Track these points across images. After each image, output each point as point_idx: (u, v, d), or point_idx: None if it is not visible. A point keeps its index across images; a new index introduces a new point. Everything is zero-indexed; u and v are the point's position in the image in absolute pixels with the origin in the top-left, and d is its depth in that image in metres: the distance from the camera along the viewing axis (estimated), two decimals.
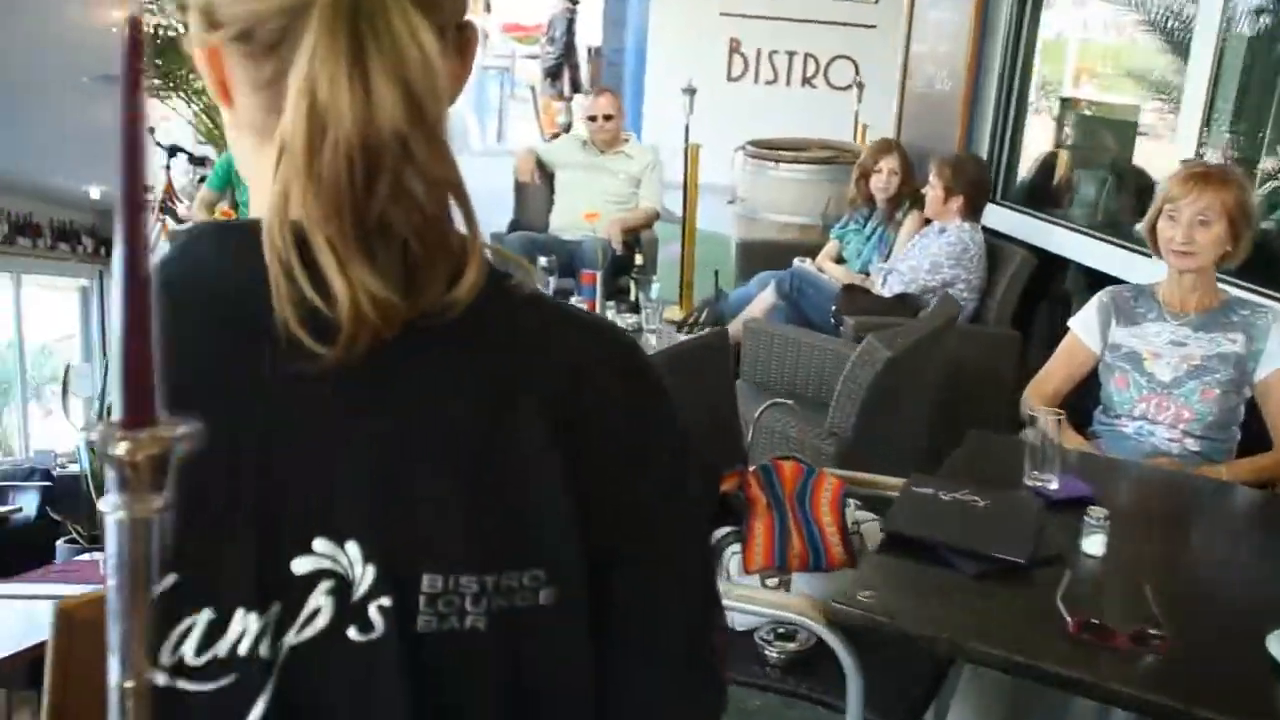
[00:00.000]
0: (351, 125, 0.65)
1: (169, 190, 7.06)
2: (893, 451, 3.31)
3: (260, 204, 0.73)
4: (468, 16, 0.78)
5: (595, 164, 5.69)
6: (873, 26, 10.81)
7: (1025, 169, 5.30)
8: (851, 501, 2.57)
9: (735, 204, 6.22)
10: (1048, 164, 5.30)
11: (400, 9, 0.67)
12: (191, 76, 6.22)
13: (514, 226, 5.91)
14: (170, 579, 0.65)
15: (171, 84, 6.35)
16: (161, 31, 6.32)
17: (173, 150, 7.02)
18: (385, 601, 0.71)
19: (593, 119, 5.68)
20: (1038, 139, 5.31)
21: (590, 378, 0.79)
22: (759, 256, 5.41)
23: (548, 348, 0.78)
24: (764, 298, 4.71)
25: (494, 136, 14.33)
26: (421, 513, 0.72)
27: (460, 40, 0.77)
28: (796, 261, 5.08)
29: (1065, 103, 5.30)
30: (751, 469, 2.60)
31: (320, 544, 0.70)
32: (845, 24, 10.83)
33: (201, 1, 0.73)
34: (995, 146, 5.18)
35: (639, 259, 5.11)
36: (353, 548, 0.70)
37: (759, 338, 4.02)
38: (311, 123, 0.66)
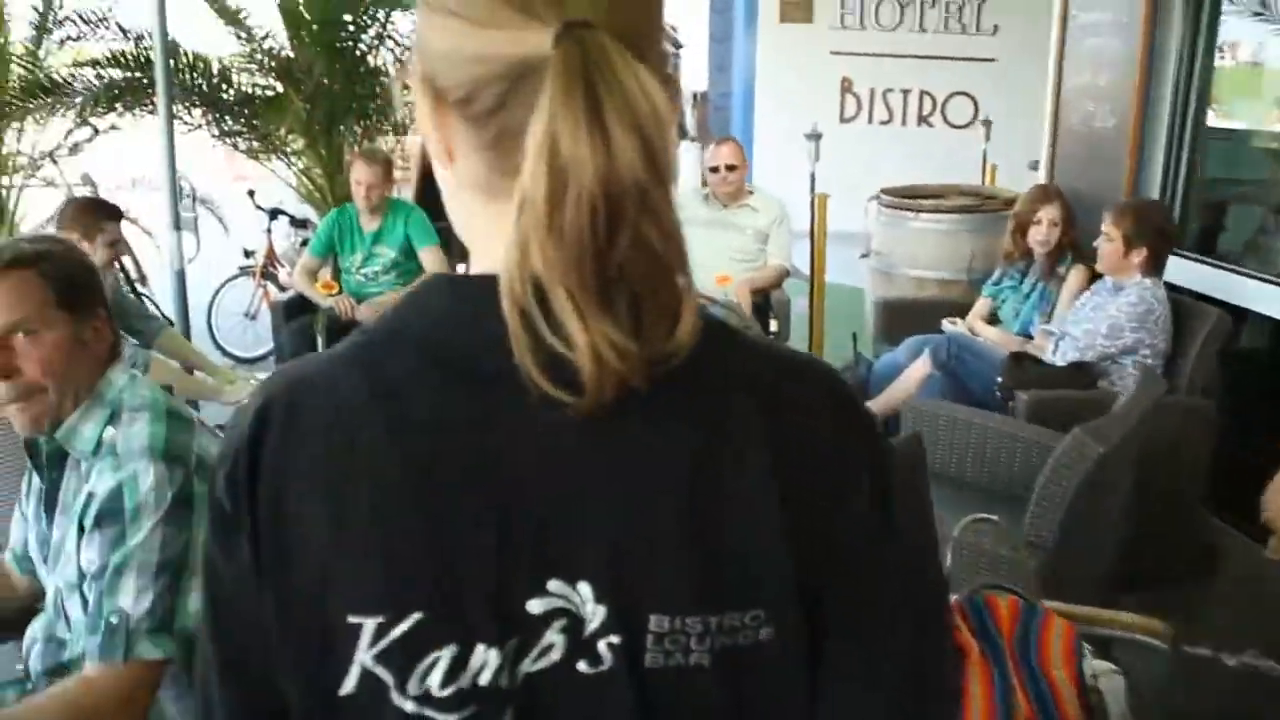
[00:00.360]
0: (594, 177, 0.67)
1: (270, 255, 6.82)
2: (1098, 559, 2.80)
3: (484, 260, 0.78)
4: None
5: (719, 219, 5.27)
6: (991, 60, 10.32)
7: (1206, 214, 4.73)
8: (1087, 648, 2.06)
9: (870, 258, 5.73)
10: (1230, 207, 4.72)
11: (626, 63, 0.69)
12: (290, 137, 5.99)
13: None
14: (415, 616, 0.73)
15: (271, 145, 6.10)
16: (260, 91, 6.14)
17: (274, 213, 6.78)
18: (614, 639, 0.74)
19: (714, 170, 5.26)
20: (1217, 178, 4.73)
21: (799, 414, 0.79)
22: (901, 316, 4.92)
23: (760, 387, 0.79)
24: (917, 368, 4.21)
25: None
26: (651, 556, 0.75)
27: (669, 93, 0.75)
28: (948, 324, 4.58)
29: (1250, 135, 4.72)
30: (956, 600, 2.11)
31: (554, 585, 0.74)
32: (962, 59, 10.32)
33: (422, 70, 0.77)
34: (1168, 188, 4.62)
35: (773, 324, 4.64)
36: (585, 588, 0.74)
37: (924, 419, 3.52)
38: (554, 177, 0.67)
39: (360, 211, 5.26)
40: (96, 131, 6.67)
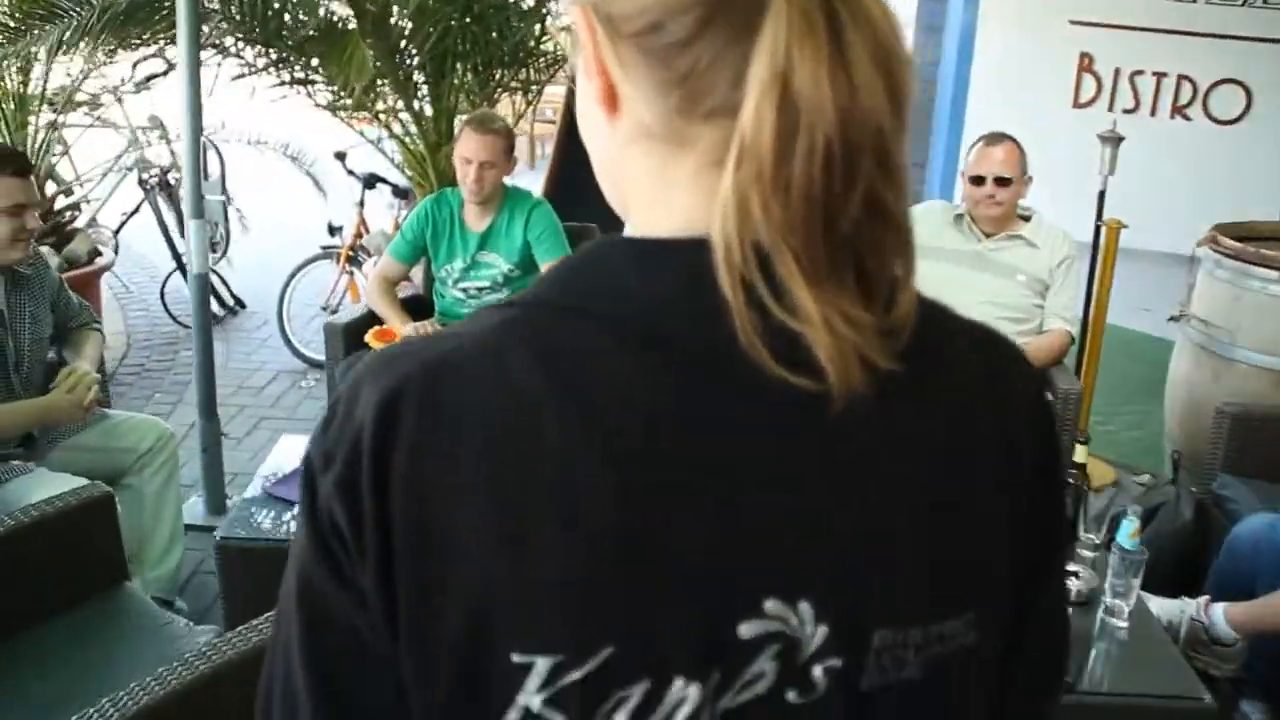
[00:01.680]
0: (834, 120, 0.56)
1: (360, 232, 5.37)
2: None
3: (661, 223, 0.65)
4: None
5: (976, 256, 3.59)
6: (1276, 41, 8.31)
7: None
8: None
9: (1187, 323, 3.94)
10: None
11: None
12: (381, 86, 4.45)
13: None
14: (606, 652, 0.60)
15: (369, 104, 4.57)
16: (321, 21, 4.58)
17: (370, 181, 5.32)
18: (834, 662, 0.64)
19: (977, 182, 3.56)
20: None
21: (1018, 410, 0.72)
22: (1262, 437, 3.18)
23: (981, 378, 0.70)
24: None
25: None
26: (881, 566, 0.64)
27: None
28: None
29: None
30: None
31: (771, 605, 0.62)
32: (1236, 37, 8.34)
33: (591, 2, 0.63)
34: None
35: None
36: (805, 607, 0.63)
37: None
38: (784, 121, 0.56)
39: (465, 202, 3.74)
40: (171, 66, 5.29)
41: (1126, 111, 8.54)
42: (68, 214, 5.65)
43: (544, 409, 0.60)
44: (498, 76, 4.81)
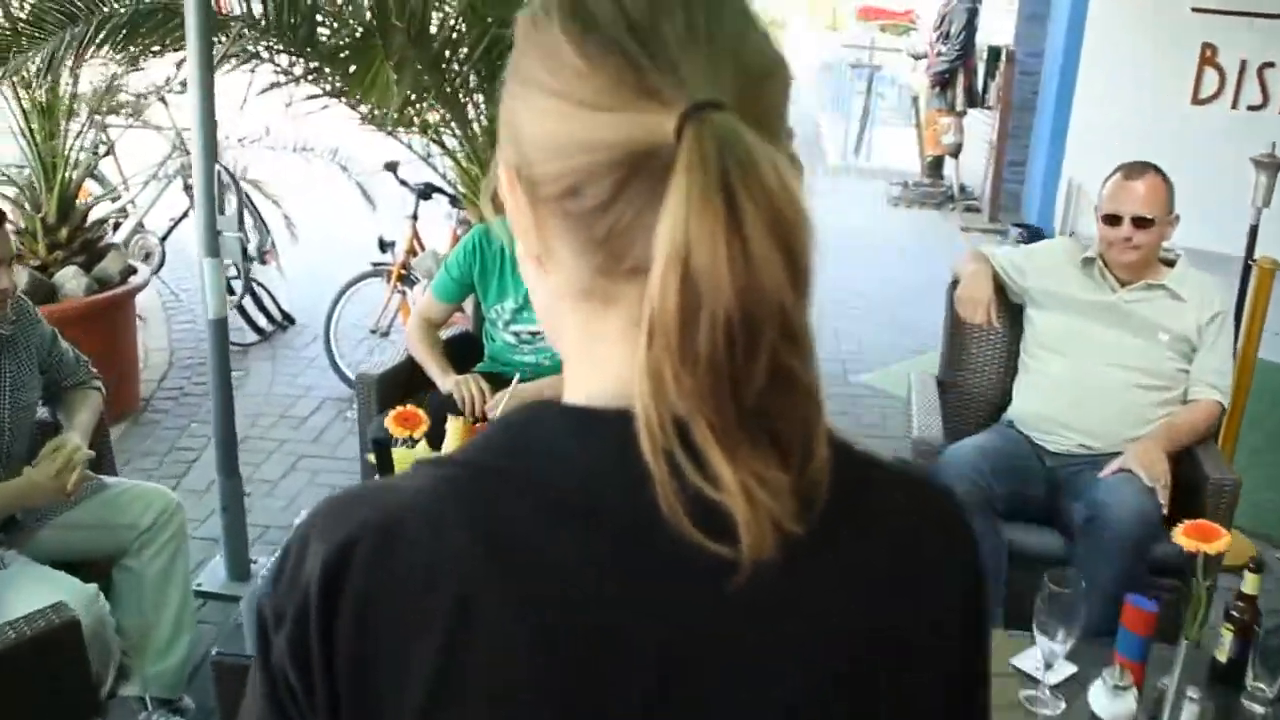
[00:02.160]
0: (733, 297, 0.57)
1: (412, 248, 4.96)
2: None
3: (590, 377, 0.68)
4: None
5: (1111, 308, 3.05)
6: None
7: None
8: None
9: None
10: None
11: (763, 151, 0.58)
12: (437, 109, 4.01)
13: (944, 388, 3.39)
14: None
15: (413, 118, 4.12)
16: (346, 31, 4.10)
17: (426, 191, 4.91)
18: None
19: (1112, 222, 3.02)
20: None
21: (942, 566, 0.72)
22: None
23: (903, 532, 0.70)
24: None
25: (852, 148, 11.74)
26: None
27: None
28: None
29: None
30: None
31: None
32: None
33: (513, 159, 0.67)
34: None
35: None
36: None
37: None
38: (686, 294, 0.57)
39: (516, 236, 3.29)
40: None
41: (1252, 108, 7.83)
42: (111, 220, 5.34)
43: (474, 567, 0.63)
44: None
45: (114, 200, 5.55)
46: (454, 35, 3.76)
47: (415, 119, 4.01)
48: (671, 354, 0.57)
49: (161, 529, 2.73)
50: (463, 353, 3.47)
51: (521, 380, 2.94)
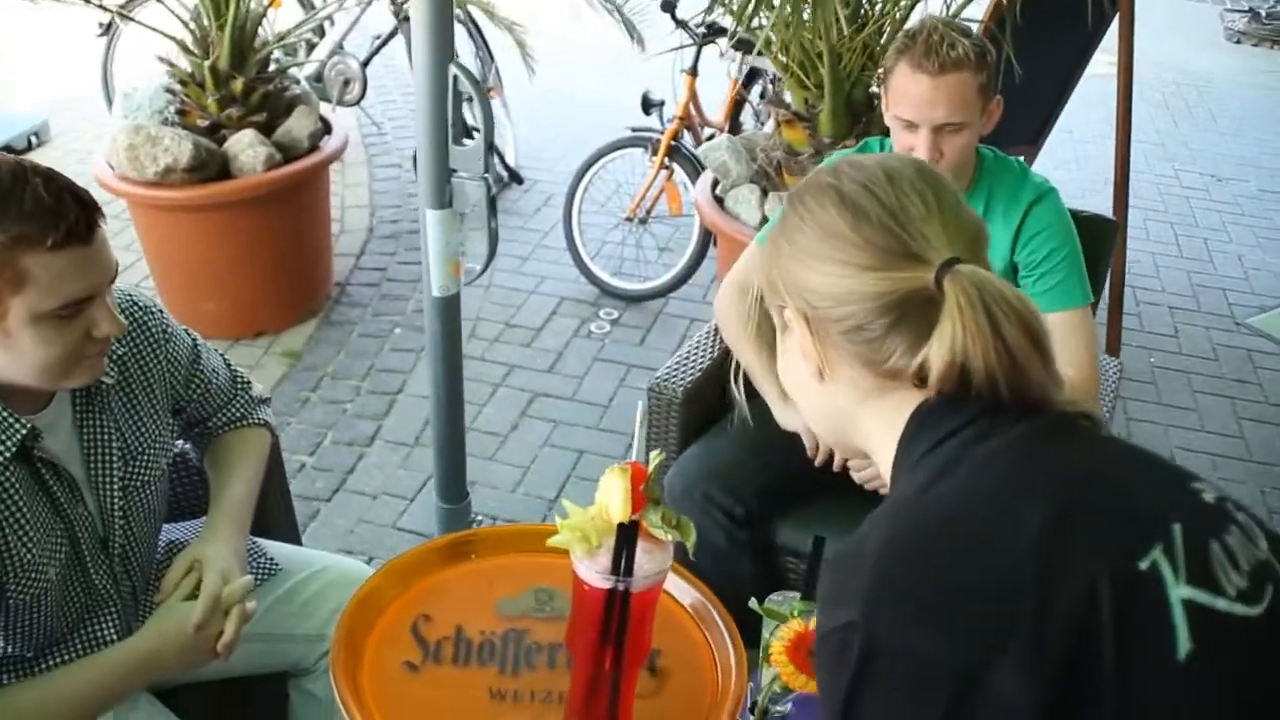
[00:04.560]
0: (1005, 385, 0.89)
1: (688, 113, 3.72)
2: None
3: (883, 446, 0.96)
4: None
5: None
6: None
7: None
8: None
9: None
10: None
11: (1001, 281, 0.89)
12: None
13: None
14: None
15: None
16: None
17: (710, 33, 3.64)
18: None
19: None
20: None
21: None
22: None
23: None
24: None
25: None
26: None
27: None
28: None
29: None
30: None
31: None
32: None
33: (802, 304, 0.95)
34: None
35: None
36: None
37: None
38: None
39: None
40: None
41: None
42: (302, 39, 4.22)
43: None
44: None
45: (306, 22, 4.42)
46: None
47: None
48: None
49: None
50: None
51: None
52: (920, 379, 0.90)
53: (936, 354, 0.86)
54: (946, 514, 0.84)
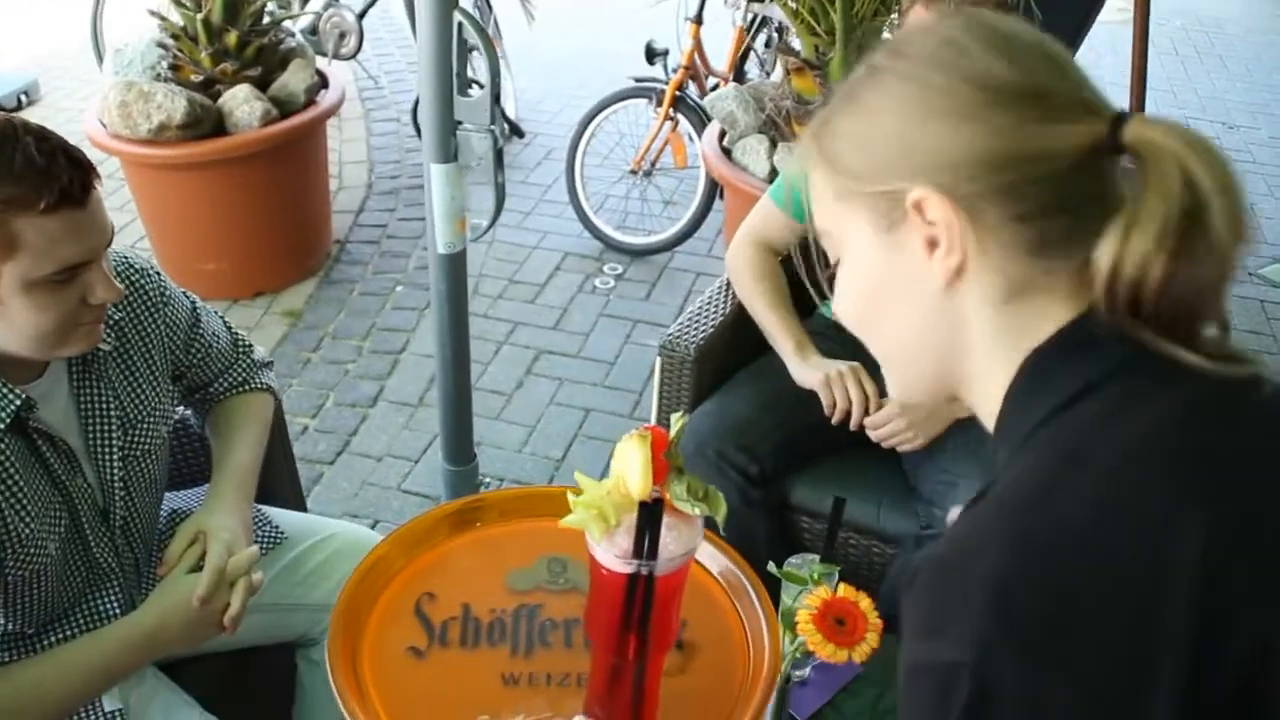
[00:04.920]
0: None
1: (691, 62, 3.64)
2: None
3: (998, 372, 0.76)
4: None
5: None
6: None
7: None
8: None
9: None
10: None
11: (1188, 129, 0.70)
12: None
13: None
14: None
15: None
16: None
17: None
18: None
19: None
20: None
21: None
22: None
23: None
24: None
25: None
26: None
27: None
28: None
29: None
30: None
31: None
32: None
33: (939, 180, 0.73)
34: None
35: None
36: None
37: None
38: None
39: None
40: None
41: None
42: (294, 7, 4.12)
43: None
44: None
45: None
46: None
47: None
48: None
49: None
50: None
51: None
52: (1073, 286, 0.72)
53: (1136, 238, 0.67)
54: (1081, 528, 0.66)
